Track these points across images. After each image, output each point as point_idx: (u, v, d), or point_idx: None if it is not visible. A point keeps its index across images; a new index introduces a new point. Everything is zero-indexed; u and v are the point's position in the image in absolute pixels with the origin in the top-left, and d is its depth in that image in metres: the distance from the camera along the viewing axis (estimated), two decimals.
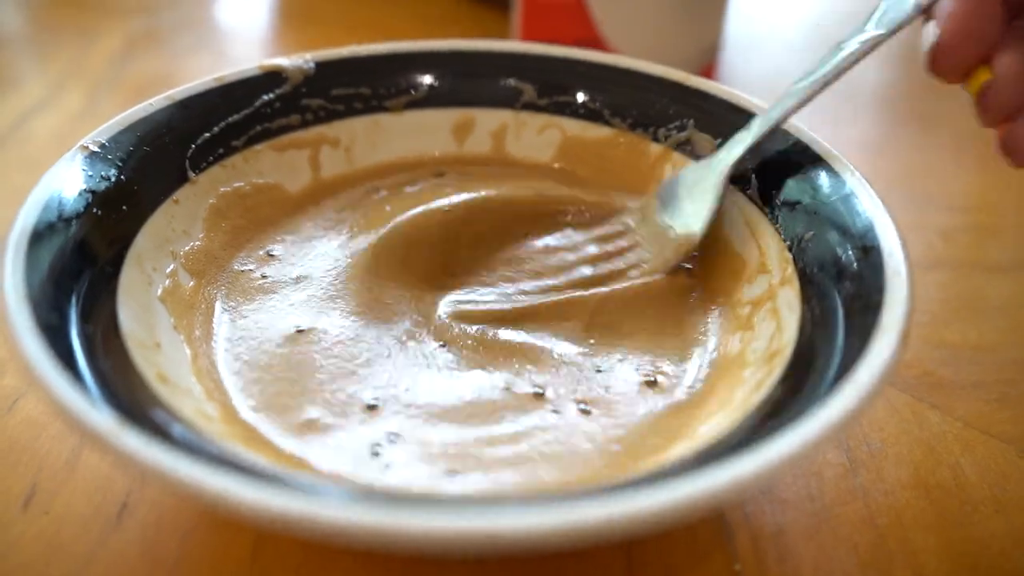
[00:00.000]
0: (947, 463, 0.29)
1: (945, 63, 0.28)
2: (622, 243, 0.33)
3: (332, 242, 0.33)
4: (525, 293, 0.31)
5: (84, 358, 0.22)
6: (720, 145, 0.33)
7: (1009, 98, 0.27)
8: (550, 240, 0.34)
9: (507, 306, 0.30)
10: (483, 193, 0.34)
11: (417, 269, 0.32)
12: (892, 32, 0.30)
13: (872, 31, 0.30)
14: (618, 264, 0.32)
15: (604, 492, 0.20)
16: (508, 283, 0.32)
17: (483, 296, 0.31)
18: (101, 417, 0.20)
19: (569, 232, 0.34)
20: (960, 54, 0.27)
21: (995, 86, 0.27)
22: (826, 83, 0.30)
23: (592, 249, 0.33)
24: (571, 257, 0.33)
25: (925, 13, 0.29)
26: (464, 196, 0.34)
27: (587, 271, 0.32)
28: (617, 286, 0.31)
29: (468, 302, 0.31)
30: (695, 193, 0.32)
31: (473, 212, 0.33)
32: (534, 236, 0.34)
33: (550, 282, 0.32)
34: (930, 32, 0.28)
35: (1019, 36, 0.27)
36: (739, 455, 0.20)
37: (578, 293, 0.31)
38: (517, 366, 0.28)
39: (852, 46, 0.30)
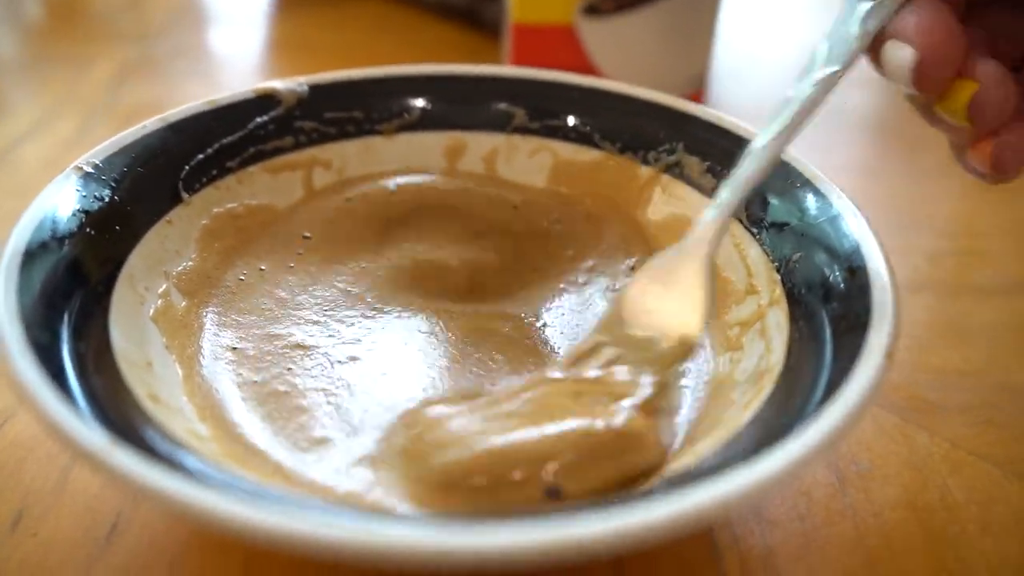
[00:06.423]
0: (935, 484, 0.29)
1: (931, 79, 0.27)
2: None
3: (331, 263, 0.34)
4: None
5: (75, 377, 0.22)
6: (711, 170, 0.33)
7: (1001, 102, 0.27)
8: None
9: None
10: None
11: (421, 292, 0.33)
12: (847, 66, 0.28)
13: (825, 69, 0.28)
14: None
15: (590, 509, 0.20)
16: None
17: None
18: (93, 435, 0.20)
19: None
20: (944, 67, 0.27)
21: (985, 93, 0.27)
22: (790, 136, 0.28)
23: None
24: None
25: (874, 39, 0.28)
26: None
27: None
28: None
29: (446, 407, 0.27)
30: (674, 290, 0.28)
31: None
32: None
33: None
34: (899, 53, 0.27)
35: (976, 45, 0.27)
36: (727, 473, 0.20)
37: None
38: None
39: (805, 90, 0.28)
